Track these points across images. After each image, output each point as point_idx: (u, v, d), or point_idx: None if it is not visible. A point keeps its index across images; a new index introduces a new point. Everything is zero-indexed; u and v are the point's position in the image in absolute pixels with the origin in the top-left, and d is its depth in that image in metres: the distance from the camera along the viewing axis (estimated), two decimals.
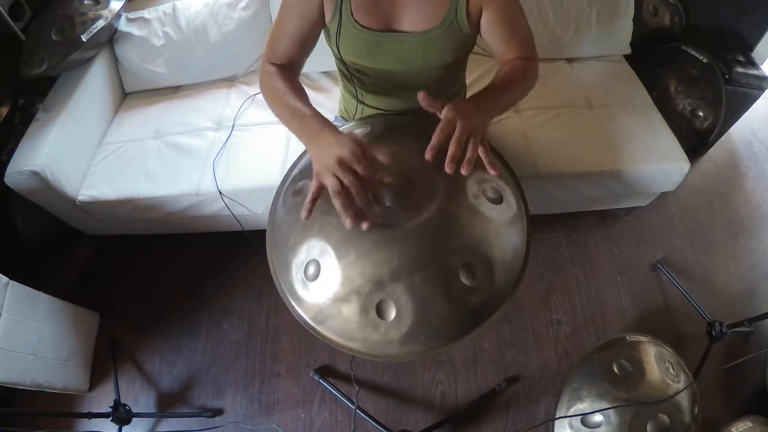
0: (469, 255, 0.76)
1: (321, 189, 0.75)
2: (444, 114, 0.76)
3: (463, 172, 0.72)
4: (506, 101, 0.90)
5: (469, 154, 0.73)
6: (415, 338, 0.74)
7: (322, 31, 1.03)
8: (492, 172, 0.75)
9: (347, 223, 0.71)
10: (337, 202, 0.72)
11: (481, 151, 0.75)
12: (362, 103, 1.19)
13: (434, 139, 0.73)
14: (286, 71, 0.99)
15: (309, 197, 0.74)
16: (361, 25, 0.97)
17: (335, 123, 1.38)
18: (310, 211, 0.74)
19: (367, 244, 0.75)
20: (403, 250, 0.74)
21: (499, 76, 0.94)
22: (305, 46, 1.02)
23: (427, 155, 0.72)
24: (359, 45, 1.00)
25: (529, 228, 0.85)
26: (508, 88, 0.91)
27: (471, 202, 0.80)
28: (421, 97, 0.76)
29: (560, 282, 1.86)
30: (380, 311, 0.74)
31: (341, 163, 0.73)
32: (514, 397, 1.63)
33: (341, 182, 0.72)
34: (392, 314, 0.73)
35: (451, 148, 0.72)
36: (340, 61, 1.08)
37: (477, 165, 0.75)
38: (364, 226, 0.74)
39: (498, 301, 0.77)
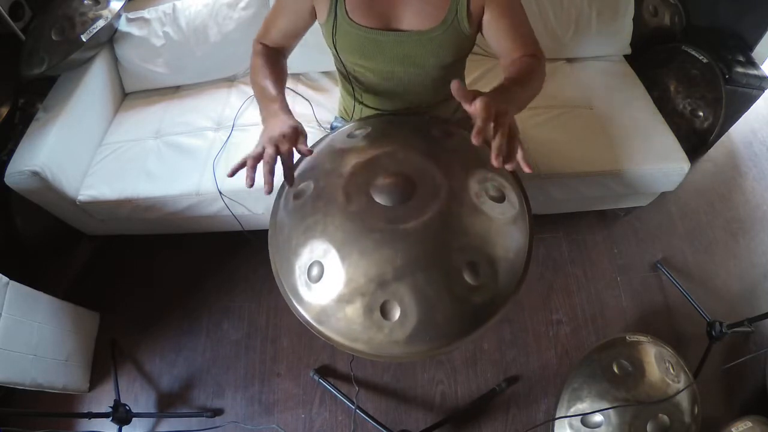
0: (472, 254, 0.76)
1: (259, 154, 0.81)
2: (481, 102, 0.70)
3: (508, 167, 0.70)
4: (521, 99, 0.87)
5: (514, 152, 0.71)
6: (420, 338, 0.74)
7: (321, 29, 1.03)
8: (526, 170, 0.73)
9: (266, 188, 0.78)
10: (264, 168, 0.79)
11: (518, 148, 0.72)
12: (361, 102, 1.18)
13: (479, 122, 0.68)
14: (273, 53, 1.08)
15: (249, 162, 0.80)
16: (357, 24, 0.97)
17: (335, 123, 1.39)
18: (269, 183, 0.79)
19: (370, 245, 0.75)
20: (406, 249, 0.75)
21: (511, 75, 0.91)
22: (295, 38, 1.09)
23: (475, 140, 0.68)
24: (356, 43, 1.00)
25: (532, 226, 0.85)
26: (522, 84, 0.88)
27: (473, 200, 0.80)
28: (454, 87, 0.72)
29: (560, 282, 1.86)
30: (384, 312, 0.73)
31: (274, 139, 0.82)
32: (514, 397, 1.63)
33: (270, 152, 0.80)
34: (396, 314, 0.73)
35: (497, 140, 0.69)
36: (339, 60, 1.08)
37: (478, 164, 0.74)
38: (266, 189, 0.78)
39: (502, 300, 0.77)
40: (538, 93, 0.93)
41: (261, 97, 0.98)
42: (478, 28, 1.00)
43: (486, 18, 0.96)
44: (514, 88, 0.85)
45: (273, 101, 0.93)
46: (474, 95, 0.72)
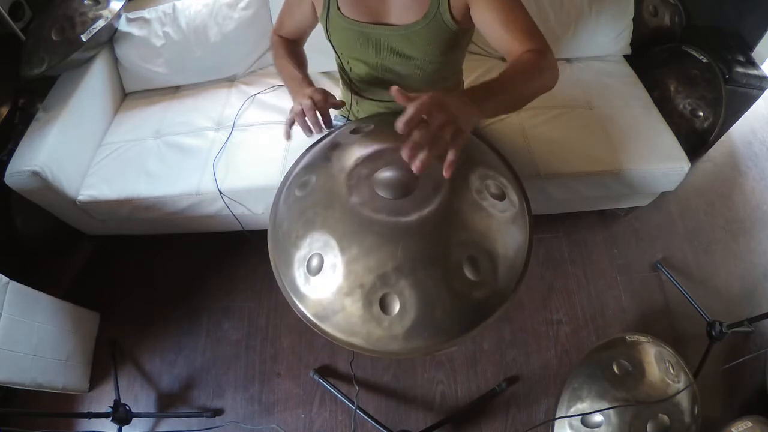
0: (472, 249, 0.76)
1: (295, 114, 0.92)
2: (419, 99, 0.64)
3: (445, 174, 0.66)
4: (511, 96, 0.82)
5: (451, 156, 0.65)
6: (419, 333, 0.73)
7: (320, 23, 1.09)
8: (445, 174, 0.66)
9: (310, 132, 0.93)
10: (298, 120, 0.92)
11: (449, 151, 0.65)
12: (358, 95, 1.21)
13: (407, 111, 0.63)
14: (290, 43, 1.20)
15: (288, 119, 0.93)
16: (347, 17, 1.01)
17: (336, 123, 1.40)
18: (287, 133, 0.94)
19: (370, 238, 0.75)
20: (407, 244, 0.74)
21: (505, 70, 0.86)
22: (305, 32, 1.20)
23: (398, 126, 0.64)
24: (347, 36, 1.04)
25: (531, 225, 0.85)
26: (515, 81, 0.83)
27: (474, 197, 0.80)
28: (393, 91, 0.69)
29: (560, 282, 1.86)
30: (383, 305, 0.73)
31: (306, 94, 0.94)
32: (514, 397, 1.63)
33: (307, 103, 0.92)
34: (396, 308, 0.72)
35: (416, 133, 0.62)
36: (336, 52, 1.13)
37: (479, 161, 0.73)
38: (316, 130, 0.93)
39: (501, 298, 0.77)
40: (545, 90, 0.90)
41: (287, 78, 1.10)
42: (467, 23, 0.99)
43: (473, 13, 0.94)
44: (496, 86, 0.80)
45: (297, 79, 1.06)
46: (415, 97, 0.66)
